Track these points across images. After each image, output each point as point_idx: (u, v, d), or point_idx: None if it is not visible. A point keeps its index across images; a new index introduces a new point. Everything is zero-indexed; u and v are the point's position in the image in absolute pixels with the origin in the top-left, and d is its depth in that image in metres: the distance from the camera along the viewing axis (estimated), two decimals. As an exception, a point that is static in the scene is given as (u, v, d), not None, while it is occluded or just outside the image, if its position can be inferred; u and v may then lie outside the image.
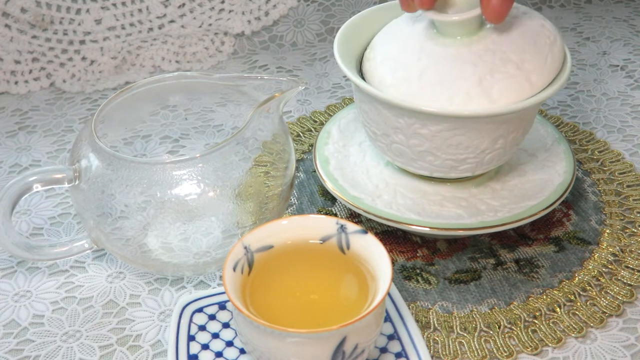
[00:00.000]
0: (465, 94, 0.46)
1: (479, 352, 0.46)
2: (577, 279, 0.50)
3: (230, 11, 0.80)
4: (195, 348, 0.44)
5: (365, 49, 0.53)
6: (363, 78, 0.50)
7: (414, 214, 0.50)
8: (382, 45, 0.51)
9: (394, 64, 0.48)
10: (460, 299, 0.50)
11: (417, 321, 0.48)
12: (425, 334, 0.47)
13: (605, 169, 0.60)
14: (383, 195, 0.53)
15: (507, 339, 0.47)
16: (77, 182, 0.48)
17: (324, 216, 0.44)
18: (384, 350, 0.44)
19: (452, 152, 0.48)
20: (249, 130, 0.49)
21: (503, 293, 0.50)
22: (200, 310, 0.47)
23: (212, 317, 0.46)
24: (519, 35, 0.48)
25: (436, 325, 0.48)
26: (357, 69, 0.51)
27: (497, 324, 0.48)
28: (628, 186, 0.58)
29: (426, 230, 0.49)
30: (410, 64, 0.48)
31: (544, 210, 0.50)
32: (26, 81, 0.76)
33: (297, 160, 0.63)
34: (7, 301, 0.51)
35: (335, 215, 0.57)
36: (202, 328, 0.46)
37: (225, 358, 0.44)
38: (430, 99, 0.46)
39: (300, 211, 0.58)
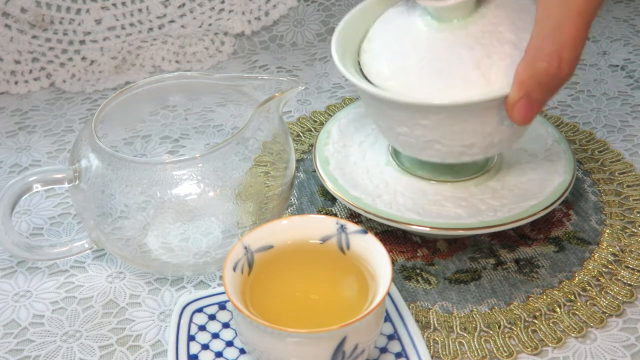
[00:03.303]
0: (463, 80, 0.45)
1: (479, 352, 0.46)
2: (577, 279, 0.50)
3: (230, 11, 0.80)
4: (195, 348, 0.44)
5: (363, 42, 0.52)
6: (362, 71, 0.50)
7: (414, 214, 0.50)
8: (378, 37, 0.50)
9: (391, 54, 0.48)
10: (460, 299, 0.50)
11: (417, 321, 0.48)
12: (425, 334, 0.47)
13: (605, 169, 0.60)
14: (383, 195, 0.53)
15: (507, 339, 0.47)
16: (77, 182, 0.48)
17: (324, 216, 0.44)
18: (384, 350, 0.44)
19: (458, 138, 0.47)
20: (249, 130, 0.49)
21: (503, 293, 0.50)
22: (200, 310, 0.47)
23: (212, 317, 0.46)
24: (516, 14, 0.47)
25: (436, 325, 0.48)
26: (355, 62, 0.51)
27: (497, 324, 0.48)
28: (628, 186, 0.58)
29: (426, 230, 0.49)
30: (407, 54, 0.47)
31: (544, 210, 0.50)
32: (26, 81, 0.76)
33: (297, 160, 0.63)
34: (7, 301, 0.51)
35: (335, 215, 0.57)
36: (202, 328, 0.46)
37: (225, 358, 0.44)
38: (429, 88, 0.46)
39: (300, 211, 0.58)
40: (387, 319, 0.45)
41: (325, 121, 0.66)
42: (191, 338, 0.45)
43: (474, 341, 0.47)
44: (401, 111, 0.47)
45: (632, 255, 0.52)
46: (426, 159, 0.51)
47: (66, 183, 0.48)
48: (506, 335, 0.47)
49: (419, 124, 0.47)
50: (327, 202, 0.58)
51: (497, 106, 0.46)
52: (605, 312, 0.48)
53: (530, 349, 0.46)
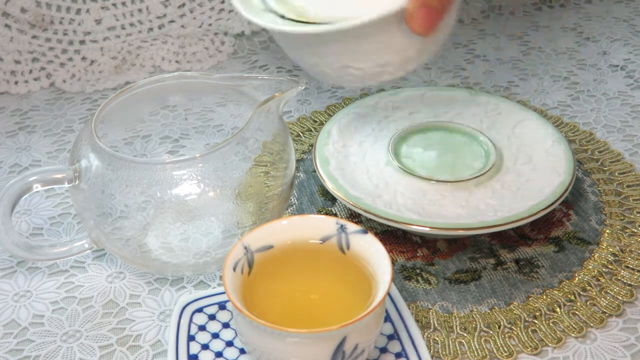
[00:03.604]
0: None
1: (479, 352, 0.46)
2: (577, 279, 0.50)
3: (230, 11, 0.80)
4: (195, 348, 0.44)
5: None
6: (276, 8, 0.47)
7: (414, 214, 0.50)
8: None
9: None
10: (460, 299, 0.50)
11: (417, 321, 0.48)
12: (425, 334, 0.47)
13: (605, 169, 0.60)
14: (383, 195, 0.53)
15: (507, 339, 0.47)
16: (77, 182, 0.48)
17: (324, 216, 0.44)
18: (384, 350, 0.44)
19: (370, 59, 0.45)
20: (249, 130, 0.49)
21: (503, 293, 0.50)
22: (200, 310, 0.47)
23: (212, 317, 0.46)
24: None
25: (436, 325, 0.48)
26: None
27: (497, 324, 0.48)
28: (628, 186, 0.58)
29: (426, 230, 0.49)
30: None
31: (544, 210, 0.50)
32: (26, 81, 0.76)
33: (297, 160, 0.63)
34: (7, 301, 0.51)
35: (335, 215, 0.57)
36: (202, 328, 0.46)
37: (225, 358, 0.44)
38: (330, 10, 0.44)
39: (300, 211, 0.58)
40: (387, 319, 0.45)
41: (325, 121, 0.66)
42: (191, 338, 0.45)
43: (474, 341, 0.47)
44: (303, 43, 0.45)
45: (632, 255, 0.52)
46: (347, 85, 0.49)
47: (66, 183, 0.48)
48: (506, 335, 0.47)
49: (325, 52, 0.45)
50: (327, 202, 0.58)
51: (399, 20, 0.43)
52: (605, 312, 0.48)
53: (530, 349, 0.46)
